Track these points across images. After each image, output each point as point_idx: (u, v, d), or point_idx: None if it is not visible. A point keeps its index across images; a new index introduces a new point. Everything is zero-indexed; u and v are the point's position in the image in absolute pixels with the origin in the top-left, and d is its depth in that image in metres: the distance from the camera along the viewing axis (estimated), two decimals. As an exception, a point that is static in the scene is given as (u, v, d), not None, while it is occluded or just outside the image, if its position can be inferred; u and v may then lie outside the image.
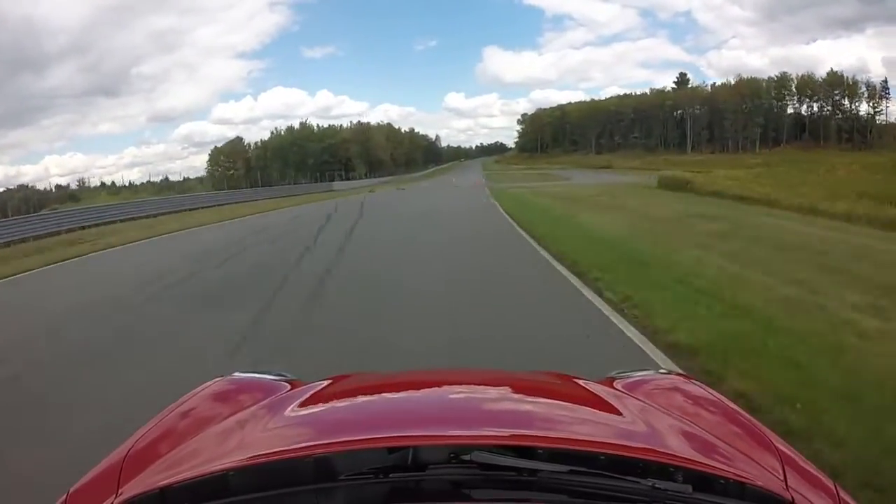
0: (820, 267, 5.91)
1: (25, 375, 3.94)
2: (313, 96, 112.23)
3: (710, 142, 66.04)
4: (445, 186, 35.37)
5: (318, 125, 68.97)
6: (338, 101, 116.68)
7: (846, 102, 63.08)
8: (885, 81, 61.64)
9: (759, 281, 5.23)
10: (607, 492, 0.69)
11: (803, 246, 7.47)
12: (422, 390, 1.14)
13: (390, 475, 0.72)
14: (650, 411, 1.00)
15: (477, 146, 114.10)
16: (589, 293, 5.25)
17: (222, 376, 1.34)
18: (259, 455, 0.78)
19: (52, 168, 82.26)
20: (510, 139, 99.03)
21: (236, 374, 1.38)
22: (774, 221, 10.73)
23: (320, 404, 1.07)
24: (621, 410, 0.97)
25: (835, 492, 0.83)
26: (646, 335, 3.88)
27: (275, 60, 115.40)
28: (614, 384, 1.19)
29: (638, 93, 76.49)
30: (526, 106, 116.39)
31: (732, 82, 66.50)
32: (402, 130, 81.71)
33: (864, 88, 62.39)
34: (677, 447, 0.86)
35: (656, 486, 0.68)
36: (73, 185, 69.01)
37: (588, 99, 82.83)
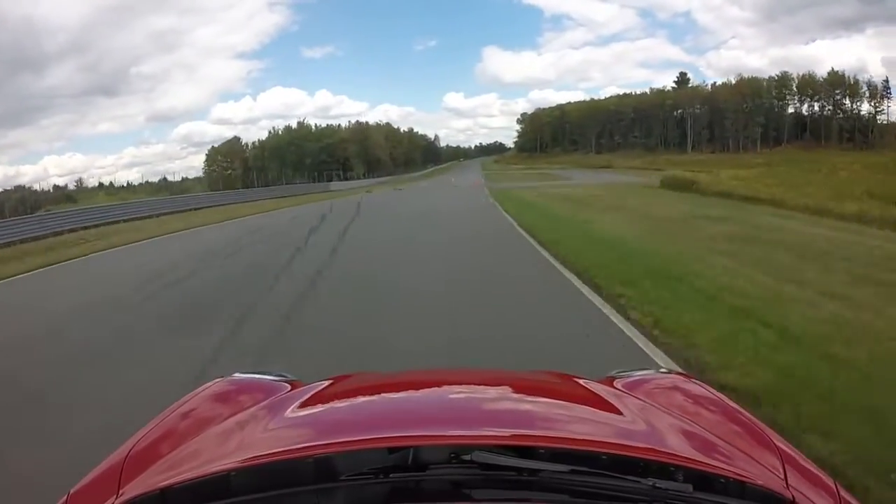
0: (853, 277, 5.45)
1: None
2: (312, 96, 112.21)
3: (710, 141, 65.78)
4: (444, 186, 34.80)
5: (315, 125, 68.69)
6: (337, 101, 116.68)
7: (847, 102, 62.73)
8: (887, 81, 61.37)
9: (797, 296, 4.65)
10: (608, 491, 0.69)
11: (826, 251, 7.05)
12: (422, 390, 1.14)
13: (391, 475, 0.72)
14: (651, 411, 0.98)
15: (476, 146, 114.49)
16: (615, 315, 4.54)
17: (222, 377, 1.33)
18: (260, 455, 0.78)
19: (51, 168, 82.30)
20: (509, 139, 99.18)
21: (236, 374, 1.37)
22: (789, 224, 10.38)
23: (321, 405, 1.07)
24: (622, 410, 0.96)
25: (835, 490, 0.82)
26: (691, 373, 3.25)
27: (274, 60, 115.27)
28: (614, 383, 1.18)
29: (638, 92, 76.30)
30: (525, 106, 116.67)
31: (733, 82, 65.98)
32: (401, 130, 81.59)
33: (865, 88, 61.99)
34: (678, 446, 0.85)
35: (657, 485, 0.68)
36: (71, 186, 68.26)
37: (587, 99, 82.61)
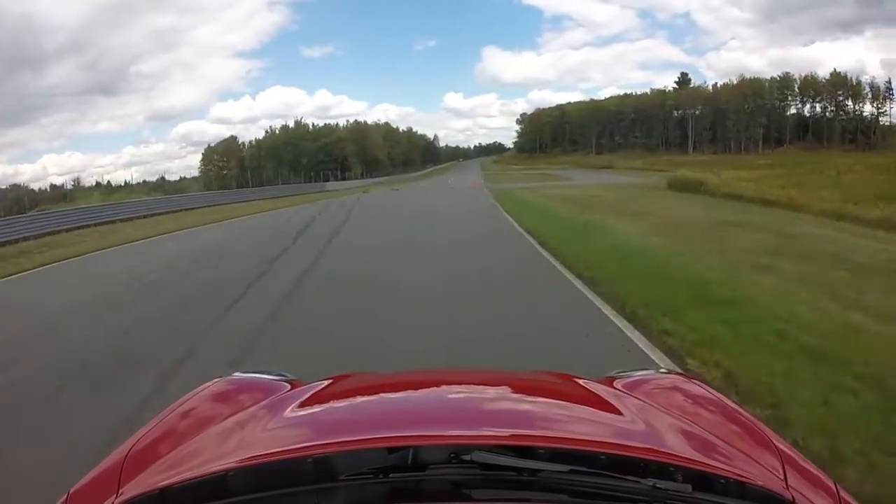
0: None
1: None
2: (312, 96, 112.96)
3: (712, 142, 65.10)
4: (443, 187, 33.94)
5: (313, 124, 67.94)
6: (336, 101, 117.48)
7: (849, 103, 62.10)
8: (889, 82, 60.95)
9: (877, 332, 3.66)
10: (608, 491, 0.69)
11: (876, 266, 6.28)
12: (422, 390, 1.13)
13: (390, 475, 0.72)
14: (650, 411, 0.98)
15: (475, 146, 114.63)
16: (666, 361, 3.52)
17: (222, 376, 1.33)
18: (259, 455, 0.78)
19: (50, 167, 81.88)
20: (508, 139, 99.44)
21: (236, 374, 1.36)
22: (817, 231, 9.53)
23: (320, 404, 1.06)
24: (621, 410, 0.95)
25: (835, 491, 0.82)
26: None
27: (273, 60, 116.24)
28: (614, 384, 1.18)
29: (638, 93, 75.91)
30: (524, 106, 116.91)
31: (735, 82, 65.24)
32: (400, 130, 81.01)
33: (867, 89, 61.47)
34: (677, 447, 0.85)
35: (657, 485, 0.68)
36: (69, 185, 67.41)
37: (587, 99, 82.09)
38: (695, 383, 1.26)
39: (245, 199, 32.52)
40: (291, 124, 67.07)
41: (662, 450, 0.81)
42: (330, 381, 1.20)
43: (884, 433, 2.36)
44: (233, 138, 67.07)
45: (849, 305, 4.44)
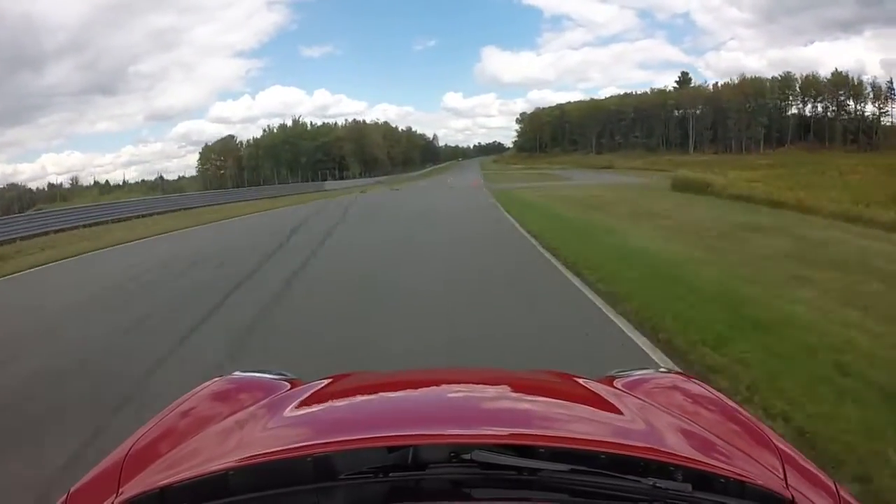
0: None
1: None
2: (311, 95, 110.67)
3: (713, 142, 64.57)
4: (442, 187, 33.25)
5: (311, 123, 67.34)
6: (336, 101, 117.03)
7: (851, 103, 61.60)
8: (891, 82, 60.46)
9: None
10: (608, 491, 0.69)
11: None
12: (422, 389, 1.12)
13: (390, 474, 0.72)
14: (650, 410, 0.98)
15: (475, 146, 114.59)
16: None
17: (222, 375, 1.32)
18: (259, 454, 0.78)
19: (49, 166, 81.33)
20: (508, 139, 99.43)
21: (236, 373, 1.36)
22: (838, 235, 9.00)
23: (320, 403, 1.06)
24: (621, 409, 0.95)
25: (835, 490, 0.82)
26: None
27: (273, 59, 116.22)
28: (614, 383, 1.17)
29: (639, 92, 75.17)
30: (524, 106, 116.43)
31: (736, 81, 64.71)
32: (399, 129, 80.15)
33: (869, 89, 61.02)
34: (677, 446, 0.85)
35: (657, 484, 0.68)
36: (66, 184, 66.88)
37: (587, 99, 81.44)
38: (694, 382, 1.25)
39: (239, 200, 32.05)
40: (290, 123, 66.38)
41: (662, 449, 0.81)
42: (330, 380, 1.20)
43: None
44: (230, 137, 66.66)
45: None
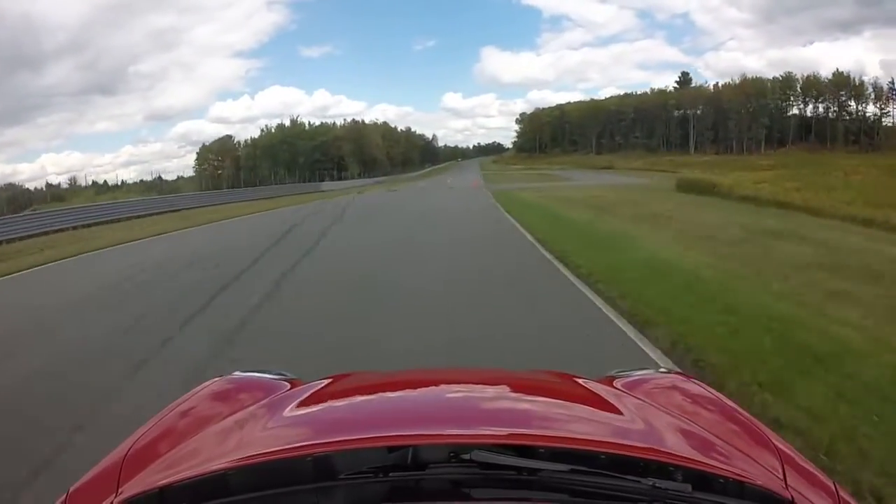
0: None
1: None
2: (311, 96, 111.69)
3: (713, 142, 64.02)
4: (442, 187, 32.58)
5: (309, 123, 66.70)
6: (335, 101, 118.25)
7: (852, 104, 61.12)
8: (893, 82, 60.00)
9: None
10: (607, 491, 0.69)
11: None
12: (422, 389, 1.11)
13: (390, 474, 0.71)
14: (650, 410, 0.97)
15: (474, 146, 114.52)
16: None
17: (222, 375, 1.32)
18: (259, 454, 0.78)
19: (48, 166, 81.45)
20: (507, 139, 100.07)
21: (236, 373, 1.35)
22: (861, 242, 8.56)
23: (320, 403, 1.05)
24: (621, 409, 0.95)
25: (834, 490, 0.82)
26: None
27: (272, 59, 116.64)
28: (614, 383, 1.17)
29: (639, 92, 74.47)
30: (523, 106, 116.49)
31: (737, 81, 64.13)
32: (399, 129, 79.50)
33: (870, 89, 60.57)
34: (677, 446, 0.85)
35: (656, 485, 0.68)
36: (65, 185, 66.33)
37: (587, 99, 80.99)
38: (694, 382, 1.25)
39: (233, 200, 31.53)
40: (286, 123, 65.70)
41: (662, 449, 0.80)
42: (330, 380, 1.19)
43: None
44: (228, 137, 66.17)
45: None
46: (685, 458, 0.76)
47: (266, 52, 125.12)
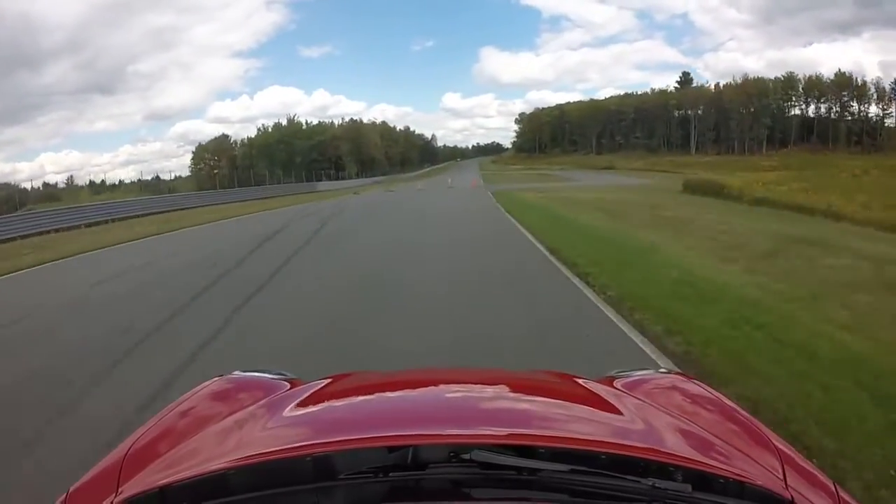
0: None
1: None
2: (310, 96, 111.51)
3: (715, 143, 63.30)
4: (441, 187, 31.68)
5: (307, 122, 65.70)
6: (334, 101, 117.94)
7: (854, 104, 60.50)
8: (895, 83, 59.03)
9: None
10: (607, 491, 0.69)
11: None
12: (422, 389, 1.11)
13: (390, 474, 0.71)
14: (650, 410, 0.97)
15: (473, 146, 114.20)
16: None
17: (221, 375, 1.31)
18: (259, 454, 0.78)
19: (47, 166, 79.91)
20: (507, 139, 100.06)
21: (236, 372, 1.35)
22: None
23: (320, 403, 1.05)
24: (621, 409, 0.94)
25: (834, 490, 0.82)
26: None
27: (271, 59, 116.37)
28: (614, 383, 1.17)
29: (640, 92, 73.68)
30: (522, 107, 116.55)
31: (739, 81, 63.47)
32: (398, 129, 78.67)
33: (872, 90, 60.04)
34: (677, 446, 0.85)
35: (656, 485, 0.68)
36: (62, 184, 65.52)
37: (586, 99, 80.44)
38: (694, 383, 1.24)
39: (225, 201, 31.02)
40: (283, 122, 64.70)
41: (662, 449, 0.80)
42: (329, 380, 1.19)
43: None
44: (224, 136, 65.27)
45: None
46: (685, 458, 0.76)
47: (265, 52, 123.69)
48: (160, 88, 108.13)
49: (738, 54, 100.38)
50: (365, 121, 72.39)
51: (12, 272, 9.73)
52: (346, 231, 12.61)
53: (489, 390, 1.12)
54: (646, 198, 17.89)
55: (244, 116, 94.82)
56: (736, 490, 0.70)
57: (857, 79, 60.66)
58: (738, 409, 1.07)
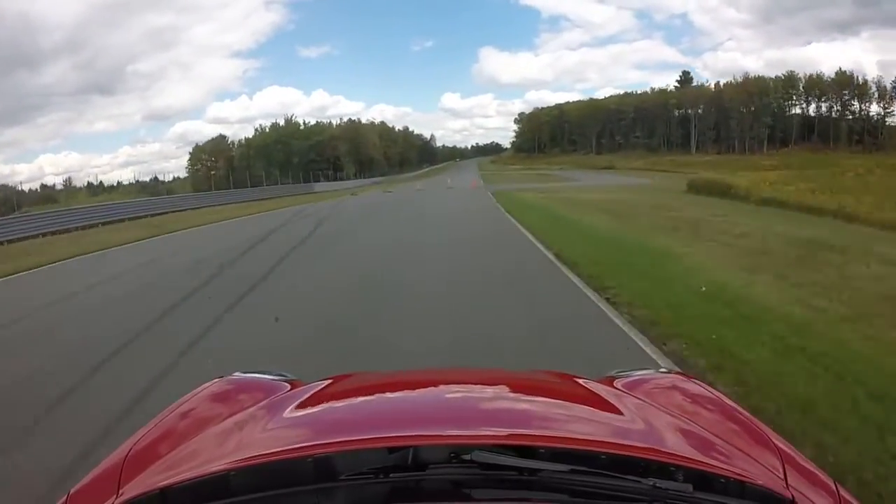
0: None
1: None
2: (309, 96, 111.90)
3: (715, 142, 62.71)
4: (440, 187, 31.12)
5: (304, 122, 65.01)
6: (333, 101, 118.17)
7: (855, 103, 60.08)
8: (896, 82, 58.57)
9: None
10: (608, 491, 0.68)
11: None
12: (422, 390, 1.11)
13: (391, 475, 0.71)
14: (650, 410, 0.97)
15: (472, 146, 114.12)
16: None
17: (222, 376, 1.31)
18: (259, 455, 0.78)
19: (46, 167, 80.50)
20: (506, 139, 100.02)
21: (236, 373, 1.34)
22: None
23: (320, 404, 1.04)
24: (621, 409, 0.94)
25: (835, 490, 0.82)
26: None
27: (270, 59, 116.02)
28: (614, 383, 1.16)
29: (640, 92, 73.17)
30: (521, 107, 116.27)
31: (739, 80, 63.14)
32: (396, 129, 78.12)
33: (874, 89, 59.58)
34: (678, 446, 0.85)
35: (657, 485, 0.67)
36: (60, 185, 64.98)
37: (586, 99, 79.87)
38: (695, 382, 1.24)
39: (221, 203, 30.50)
40: (281, 122, 64.01)
41: (663, 449, 0.80)
42: (330, 381, 1.18)
43: None
44: (222, 137, 64.80)
45: None
46: (686, 458, 0.76)
47: (264, 53, 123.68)
48: (159, 89, 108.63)
49: (737, 54, 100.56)
50: (363, 121, 72.45)
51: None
52: (340, 238, 11.81)
53: (489, 391, 1.11)
54: (650, 198, 17.38)
55: (243, 117, 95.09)
56: (737, 490, 0.70)
57: (858, 77, 60.49)
58: (739, 408, 1.07)
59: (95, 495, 0.81)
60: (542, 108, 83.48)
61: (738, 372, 3.20)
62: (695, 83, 70.72)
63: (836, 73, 60.96)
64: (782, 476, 0.79)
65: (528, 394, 1.08)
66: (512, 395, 1.08)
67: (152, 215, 23.59)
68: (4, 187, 63.80)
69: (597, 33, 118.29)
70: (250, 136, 63.94)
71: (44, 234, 17.70)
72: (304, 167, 55.85)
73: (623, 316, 4.55)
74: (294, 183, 46.68)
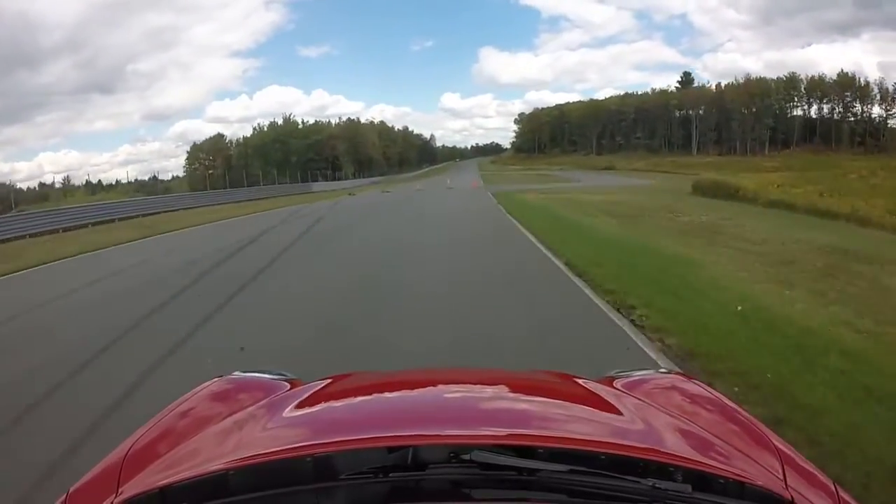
0: None
1: None
2: (309, 95, 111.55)
3: (716, 143, 62.30)
4: (439, 188, 30.53)
5: (303, 121, 64.44)
6: (333, 101, 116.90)
7: (857, 105, 59.72)
8: (899, 83, 58.20)
9: None
10: (607, 491, 0.69)
11: None
12: (421, 390, 1.10)
13: (390, 475, 0.71)
14: (650, 410, 0.96)
15: (472, 146, 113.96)
16: None
17: (221, 375, 1.31)
18: (259, 454, 0.78)
19: (46, 165, 79.97)
20: (506, 140, 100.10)
21: (236, 373, 1.34)
22: None
23: (320, 404, 1.04)
24: (621, 410, 0.94)
25: (834, 491, 0.81)
26: None
27: (270, 59, 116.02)
28: (614, 383, 1.16)
29: (640, 92, 72.73)
30: (521, 107, 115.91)
31: (741, 81, 62.71)
32: (396, 129, 77.58)
33: (875, 90, 59.12)
34: (677, 446, 0.84)
35: (656, 485, 0.68)
36: (58, 184, 64.51)
37: (586, 100, 79.43)
38: (694, 383, 1.24)
39: (217, 202, 30.07)
40: (279, 121, 63.43)
41: (662, 450, 0.80)
42: (329, 380, 1.18)
43: None
44: (220, 136, 64.48)
45: None
46: (685, 458, 0.76)
47: (264, 52, 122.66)
48: (159, 88, 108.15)
49: (736, 55, 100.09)
50: (363, 121, 72.21)
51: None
52: (337, 237, 11.28)
53: (489, 390, 1.11)
54: (657, 201, 16.90)
55: (243, 116, 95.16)
56: (736, 490, 0.70)
57: (859, 79, 60.14)
58: (739, 409, 1.06)
59: (95, 494, 0.82)
60: (543, 109, 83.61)
61: (807, 427, 2.43)
62: (695, 84, 70.79)
63: (838, 75, 61.01)
64: (781, 477, 0.80)
65: (527, 394, 1.08)
66: (511, 395, 1.08)
67: (144, 215, 23.22)
68: (2, 185, 63.02)
69: (597, 34, 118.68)
70: (248, 135, 63.74)
71: (31, 235, 17.12)
72: (303, 167, 55.32)
73: (654, 343, 3.89)
74: (291, 182, 46.18)
